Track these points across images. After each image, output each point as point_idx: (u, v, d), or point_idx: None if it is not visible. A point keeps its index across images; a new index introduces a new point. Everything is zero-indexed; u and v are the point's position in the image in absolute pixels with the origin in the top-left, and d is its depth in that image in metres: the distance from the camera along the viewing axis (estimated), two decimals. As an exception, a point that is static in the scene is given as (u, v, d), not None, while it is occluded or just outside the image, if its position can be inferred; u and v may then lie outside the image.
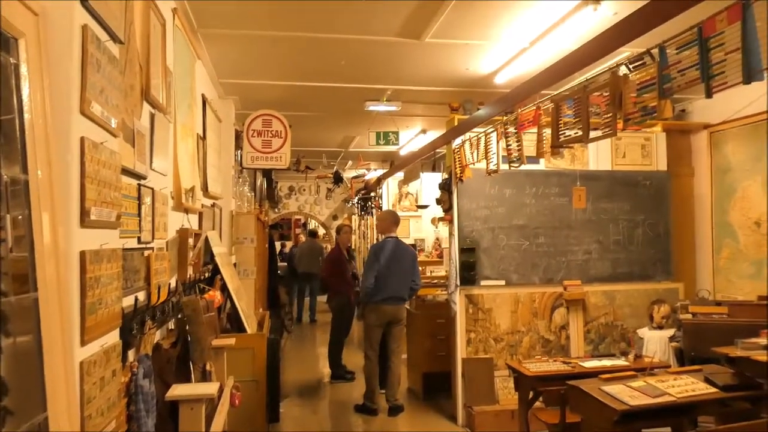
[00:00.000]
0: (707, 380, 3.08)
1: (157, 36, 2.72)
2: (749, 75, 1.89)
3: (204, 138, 4.15)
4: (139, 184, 2.32)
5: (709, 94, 2.08)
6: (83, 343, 1.50)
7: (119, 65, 1.93)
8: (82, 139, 1.53)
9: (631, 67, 2.62)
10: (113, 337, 1.78)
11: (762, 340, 3.59)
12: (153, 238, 2.50)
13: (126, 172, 2.14)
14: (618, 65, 2.71)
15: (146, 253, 2.37)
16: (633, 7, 2.49)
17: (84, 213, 1.52)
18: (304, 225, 15.07)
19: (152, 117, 2.61)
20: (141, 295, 2.28)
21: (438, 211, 6.42)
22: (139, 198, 2.31)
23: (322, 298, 8.82)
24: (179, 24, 3.41)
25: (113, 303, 1.72)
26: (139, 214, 2.29)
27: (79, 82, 1.53)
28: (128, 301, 2.08)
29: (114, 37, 1.85)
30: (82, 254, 1.51)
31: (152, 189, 2.49)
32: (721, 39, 2.02)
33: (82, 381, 1.45)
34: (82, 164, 1.51)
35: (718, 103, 5.06)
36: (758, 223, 4.86)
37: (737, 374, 3.16)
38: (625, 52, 3.41)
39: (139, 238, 2.31)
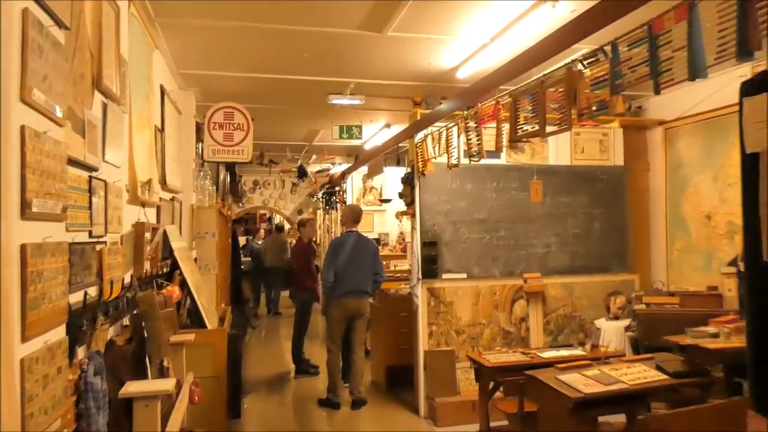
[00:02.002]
0: (658, 368, 3.19)
1: (110, 24, 2.64)
2: (694, 72, 1.95)
3: (162, 130, 4.06)
4: (90, 176, 2.26)
5: (657, 91, 2.14)
6: (24, 339, 1.45)
7: (65, 52, 1.87)
8: (22, 128, 1.47)
9: (585, 63, 2.67)
10: (59, 334, 1.73)
11: (710, 329, 3.74)
12: (106, 231, 2.43)
13: (75, 163, 2.08)
14: (573, 62, 2.76)
15: (98, 247, 2.31)
16: (590, 5, 2.53)
17: (25, 205, 1.46)
18: (270, 219, 14.92)
19: (105, 107, 2.54)
20: (92, 291, 2.22)
21: (401, 205, 6.44)
22: (90, 190, 2.24)
23: (285, 292, 8.75)
24: (135, 12, 3.32)
25: (58, 298, 1.67)
26: (90, 207, 2.23)
27: (19, 69, 1.47)
28: (78, 297, 2.02)
29: (59, 23, 1.79)
30: (23, 247, 1.46)
31: (105, 181, 2.42)
32: (669, 37, 2.08)
33: (22, 378, 1.40)
34: (22, 154, 1.45)
35: (673, 100, 5.22)
36: (709, 216, 5.04)
37: (687, 361, 3.28)
38: (582, 49, 3.48)
39: (90, 232, 2.24)
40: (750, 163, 1.59)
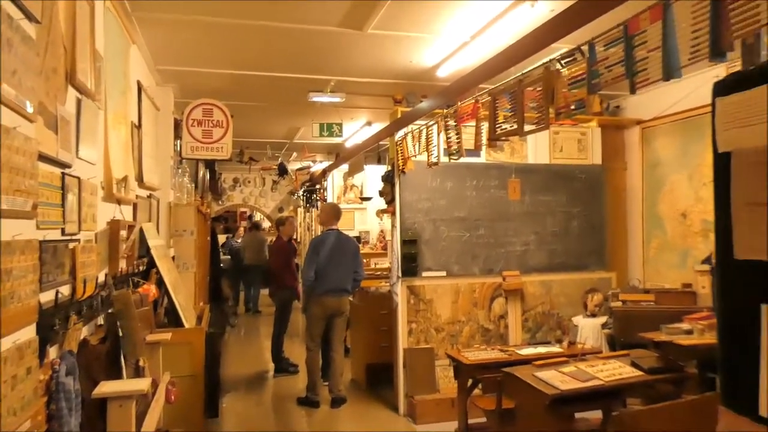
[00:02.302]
0: (634, 364, 3.23)
1: (85, 18, 2.60)
2: (668, 72, 1.97)
3: (139, 126, 4.01)
4: (63, 173, 2.22)
5: (633, 90, 2.17)
6: (-8, 339, 1.42)
7: (37, 46, 1.83)
8: (-11, 123, 1.44)
9: (563, 62, 2.69)
10: (28, 333, 1.69)
11: (684, 325, 3.80)
12: (80, 229, 2.40)
13: (47, 159, 2.04)
14: (551, 61, 2.79)
15: (71, 245, 2.26)
16: (568, 5, 2.55)
17: (-8, 201, 1.43)
18: (250, 218, 14.81)
19: (79, 102, 2.49)
20: (65, 289, 2.18)
21: (382, 204, 6.44)
22: (63, 187, 2.20)
23: (265, 291, 8.69)
24: (111, 6, 3.27)
25: (28, 297, 1.64)
26: (63, 205, 2.19)
27: (-13, 62, 1.44)
28: (50, 296, 1.98)
29: (29, 16, 1.75)
30: (-9, 245, 1.43)
31: (78, 178, 2.38)
32: (644, 37, 2.10)
33: (-10, 379, 1.38)
34: (-10, 150, 1.42)
35: (650, 100, 5.30)
36: (684, 215, 5.13)
37: (662, 358, 3.33)
38: (561, 49, 3.51)
39: (63, 230, 2.21)
40: (722, 163, 1.61)
